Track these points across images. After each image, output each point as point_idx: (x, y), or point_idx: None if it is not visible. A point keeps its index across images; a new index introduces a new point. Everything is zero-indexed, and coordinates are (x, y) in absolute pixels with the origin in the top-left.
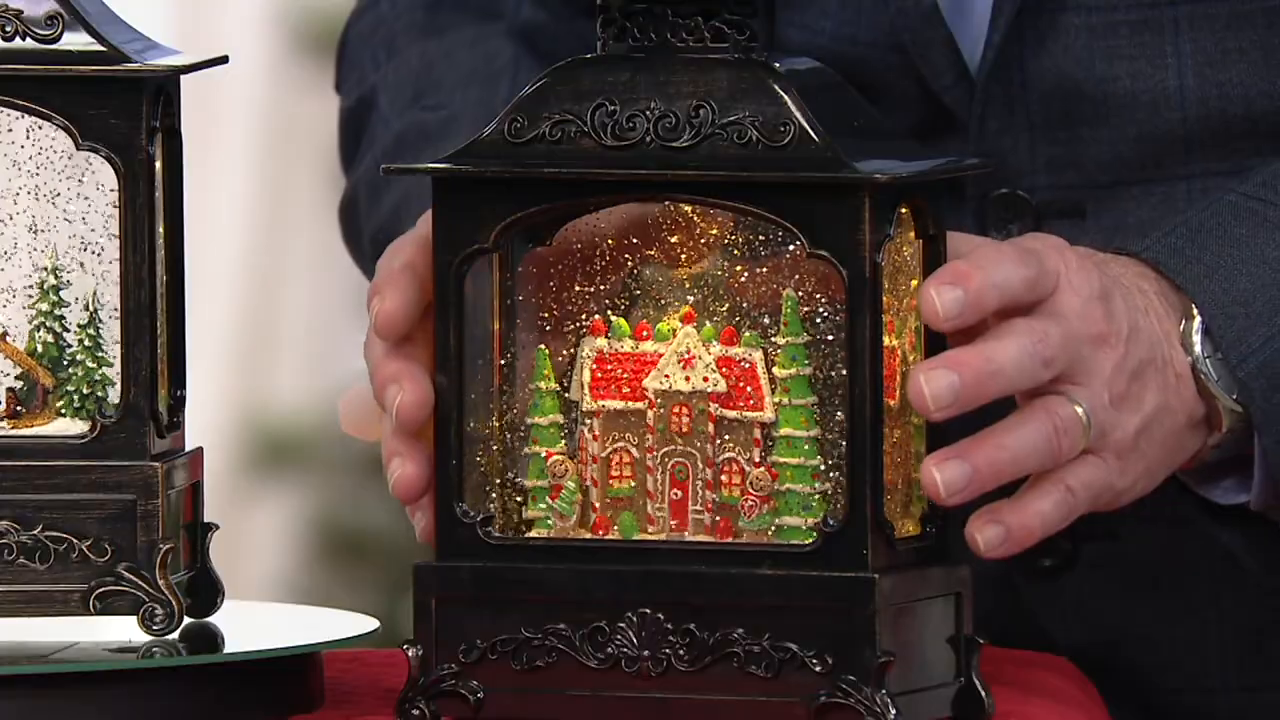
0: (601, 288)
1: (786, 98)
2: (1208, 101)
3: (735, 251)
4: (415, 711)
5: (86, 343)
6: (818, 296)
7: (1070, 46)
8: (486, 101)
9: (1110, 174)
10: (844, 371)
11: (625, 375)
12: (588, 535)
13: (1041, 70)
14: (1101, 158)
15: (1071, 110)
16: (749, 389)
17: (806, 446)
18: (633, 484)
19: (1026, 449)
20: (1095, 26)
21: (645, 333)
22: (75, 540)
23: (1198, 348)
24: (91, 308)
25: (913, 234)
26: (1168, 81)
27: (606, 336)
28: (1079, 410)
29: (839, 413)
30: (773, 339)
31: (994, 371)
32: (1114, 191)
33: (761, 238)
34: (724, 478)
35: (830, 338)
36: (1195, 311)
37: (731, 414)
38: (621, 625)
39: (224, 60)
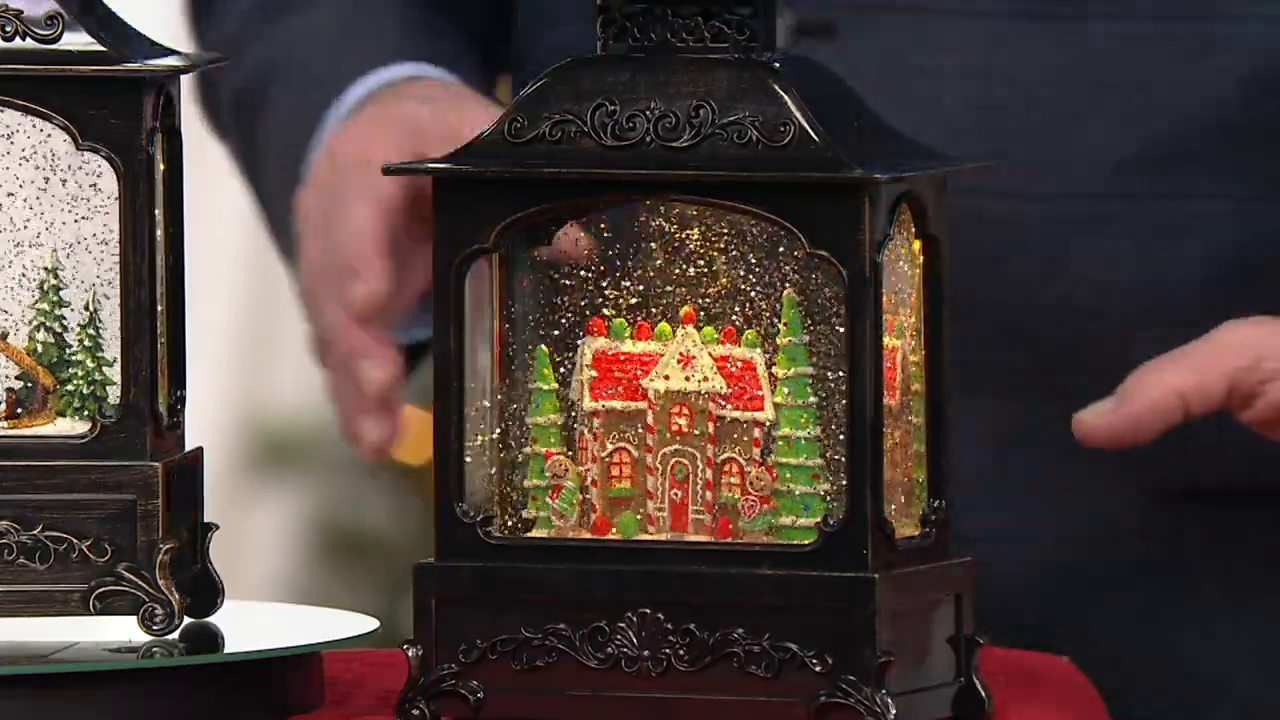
0: (601, 288)
1: (786, 98)
2: None
3: (735, 251)
4: (415, 711)
5: (86, 343)
6: (818, 297)
7: None
8: None
9: None
10: (844, 371)
11: (625, 375)
12: (588, 535)
13: None
14: None
15: None
16: (749, 389)
17: (806, 446)
18: (633, 484)
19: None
20: None
21: (645, 333)
22: (75, 540)
23: None
24: (91, 308)
25: (912, 234)
26: None
27: (606, 336)
28: None
29: (839, 413)
30: (773, 339)
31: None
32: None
33: (762, 238)
34: (724, 478)
35: (830, 338)
36: None
37: (731, 414)
38: (621, 625)
39: (224, 60)
